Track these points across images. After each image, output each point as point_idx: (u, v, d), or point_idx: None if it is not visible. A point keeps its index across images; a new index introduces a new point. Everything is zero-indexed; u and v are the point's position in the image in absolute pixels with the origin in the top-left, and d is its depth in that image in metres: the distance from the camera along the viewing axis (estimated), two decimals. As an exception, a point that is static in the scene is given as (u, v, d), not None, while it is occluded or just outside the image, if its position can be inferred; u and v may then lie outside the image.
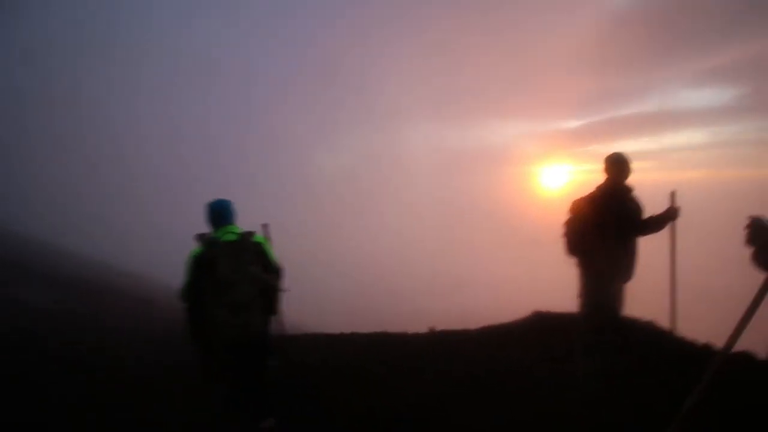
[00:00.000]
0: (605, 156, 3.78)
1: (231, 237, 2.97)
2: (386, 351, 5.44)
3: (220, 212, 3.08)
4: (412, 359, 4.96)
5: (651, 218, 3.70)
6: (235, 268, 2.89)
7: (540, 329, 5.37)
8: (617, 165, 3.70)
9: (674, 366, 3.86)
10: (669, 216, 3.68)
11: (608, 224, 3.53)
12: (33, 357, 5.10)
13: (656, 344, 4.40)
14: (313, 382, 4.41)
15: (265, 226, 4.24)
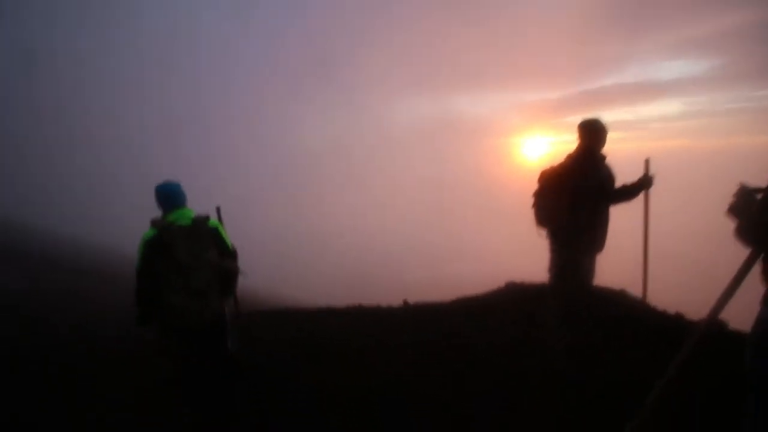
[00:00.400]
0: (579, 122, 3.61)
1: (185, 222, 2.95)
2: (359, 326, 5.36)
3: (168, 195, 3.03)
4: (385, 334, 4.88)
5: (624, 186, 3.58)
6: (192, 253, 2.87)
7: (512, 301, 5.34)
8: (593, 132, 3.54)
9: (645, 339, 3.85)
10: (643, 184, 3.57)
11: (580, 194, 3.41)
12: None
13: (627, 316, 4.37)
14: (279, 360, 4.33)
15: (217, 209, 4.24)
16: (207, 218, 3.04)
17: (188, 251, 2.87)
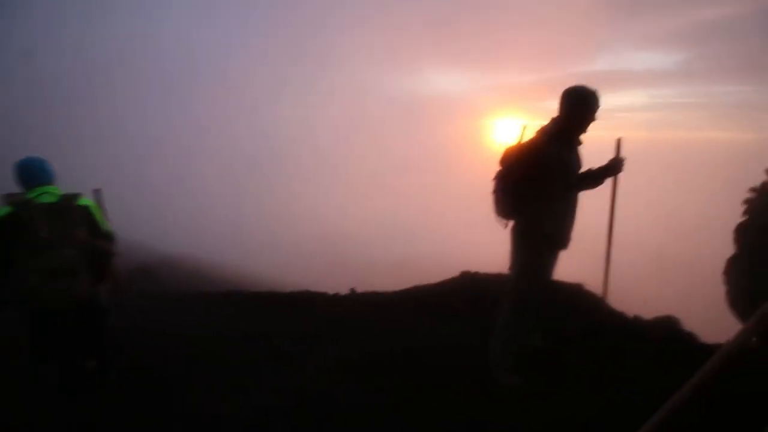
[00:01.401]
0: (565, 90, 2.86)
1: (49, 198, 2.81)
2: (289, 321, 4.83)
3: (31, 171, 2.86)
4: (321, 333, 4.35)
5: (591, 171, 3.04)
6: (54, 230, 2.74)
7: (465, 293, 4.91)
8: (581, 102, 2.83)
9: (602, 347, 3.46)
10: (613, 167, 3.05)
11: (550, 179, 2.83)
12: None
13: (585, 324, 3.94)
14: (159, 370, 3.73)
15: (97, 191, 4.04)
16: (76, 196, 2.91)
17: (51, 229, 2.72)
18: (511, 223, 3.11)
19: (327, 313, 4.92)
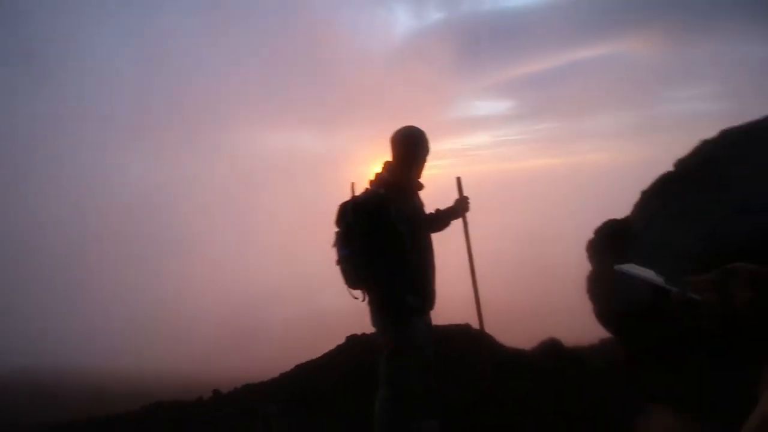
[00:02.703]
0: (395, 133, 2.63)
1: None
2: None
3: None
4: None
5: (437, 214, 2.85)
6: None
7: (348, 370, 4.27)
8: (412, 143, 2.62)
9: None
10: (459, 208, 2.87)
11: (400, 232, 2.49)
12: None
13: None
14: None
15: None
16: None
17: None
18: (367, 293, 2.65)
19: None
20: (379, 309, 2.60)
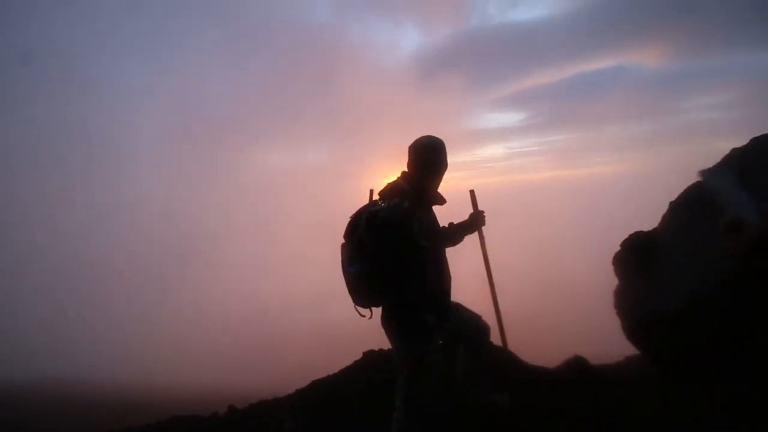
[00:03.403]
0: (414, 143, 2.55)
1: None
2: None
3: None
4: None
5: (452, 227, 2.76)
6: None
7: (369, 384, 4.15)
8: (435, 153, 2.52)
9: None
10: (474, 222, 2.79)
11: (421, 248, 2.36)
12: None
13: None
14: None
15: None
16: None
17: None
18: (377, 311, 2.54)
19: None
20: (396, 328, 2.50)
